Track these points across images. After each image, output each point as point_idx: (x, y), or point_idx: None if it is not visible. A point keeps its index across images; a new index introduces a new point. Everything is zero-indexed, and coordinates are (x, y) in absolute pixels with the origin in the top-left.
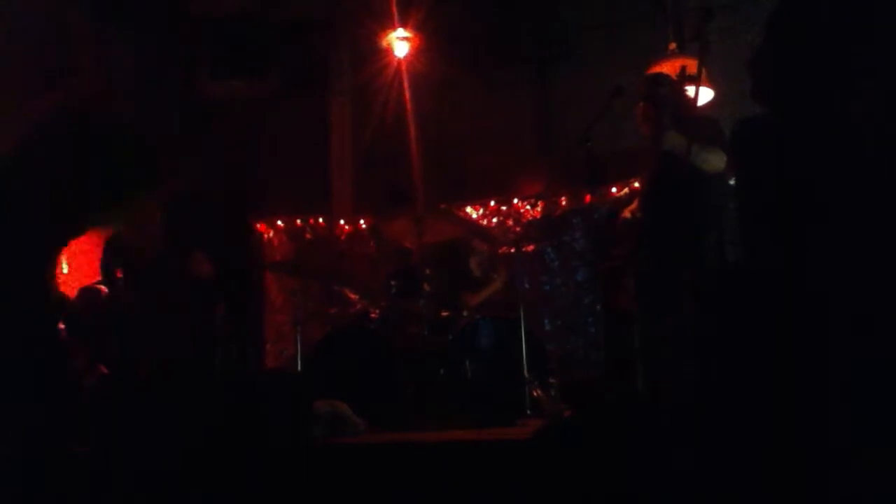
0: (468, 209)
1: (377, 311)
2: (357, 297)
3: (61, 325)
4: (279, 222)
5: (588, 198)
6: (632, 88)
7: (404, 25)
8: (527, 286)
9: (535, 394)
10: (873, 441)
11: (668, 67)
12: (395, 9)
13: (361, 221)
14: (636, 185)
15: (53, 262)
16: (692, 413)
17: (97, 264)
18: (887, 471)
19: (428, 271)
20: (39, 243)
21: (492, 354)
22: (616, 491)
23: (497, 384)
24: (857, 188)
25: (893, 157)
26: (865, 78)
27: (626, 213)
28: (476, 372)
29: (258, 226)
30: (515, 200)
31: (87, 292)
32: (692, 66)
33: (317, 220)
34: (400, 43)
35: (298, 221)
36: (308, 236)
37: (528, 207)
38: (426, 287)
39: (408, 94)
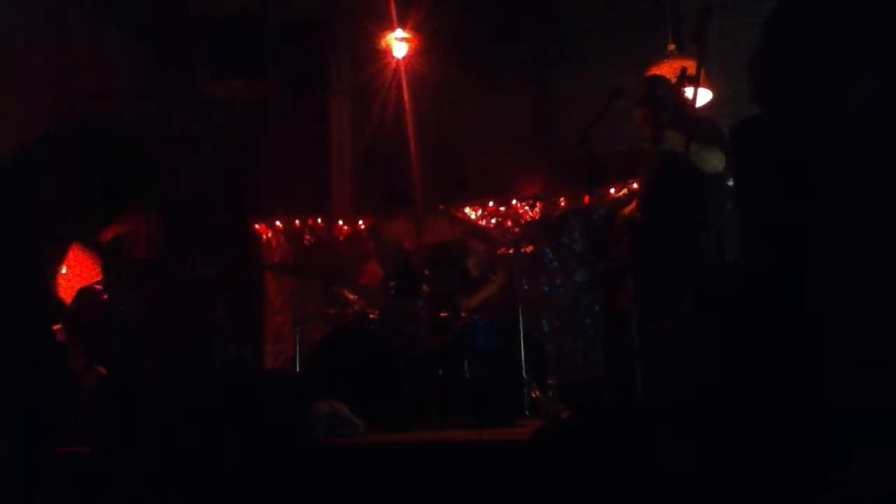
0: (467, 210)
1: (376, 312)
2: (356, 297)
3: (61, 326)
4: (278, 223)
5: (587, 198)
6: (631, 89)
7: (404, 26)
8: (525, 287)
9: (533, 394)
10: (873, 441)
11: (668, 68)
12: (394, 9)
13: (360, 222)
14: (635, 185)
15: (55, 263)
16: (691, 413)
17: (97, 264)
18: (887, 471)
19: (427, 272)
20: (40, 243)
21: (491, 355)
22: (615, 491)
23: (496, 385)
24: (856, 188)
25: (893, 158)
26: (865, 78)
27: (625, 214)
28: (475, 372)
29: (257, 226)
30: (514, 201)
31: (87, 293)
32: (691, 66)
33: (315, 221)
34: (399, 43)
35: (297, 222)
36: (307, 237)
37: (526, 208)
38: (425, 288)
39: (407, 95)
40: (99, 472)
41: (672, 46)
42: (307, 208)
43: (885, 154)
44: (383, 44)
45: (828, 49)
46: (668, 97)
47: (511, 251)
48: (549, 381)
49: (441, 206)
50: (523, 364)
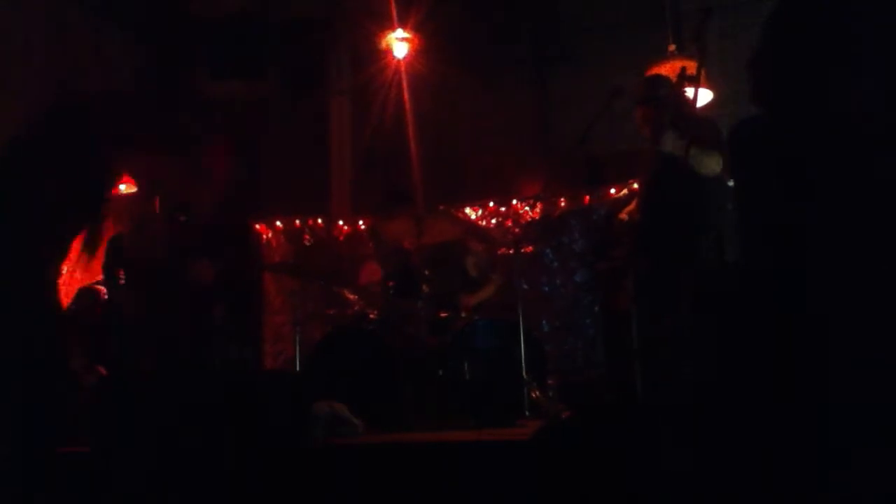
0: (467, 210)
1: (376, 312)
2: (356, 297)
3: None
4: (278, 223)
5: (587, 199)
6: (631, 89)
7: (404, 26)
8: (525, 287)
9: (533, 395)
10: (873, 441)
11: (668, 68)
12: (394, 9)
13: (360, 222)
14: (635, 186)
15: (55, 263)
16: (691, 414)
17: (96, 265)
18: (887, 471)
19: (427, 272)
20: (40, 243)
21: (490, 355)
22: (615, 491)
23: (496, 385)
24: (856, 189)
25: (893, 158)
26: (865, 78)
27: (625, 214)
28: (475, 373)
29: (257, 226)
30: (514, 201)
31: (87, 293)
32: (691, 67)
33: (315, 221)
34: (399, 43)
35: (297, 222)
36: (307, 237)
37: (526, 208)
38: (425, 288)
39: (407, 95)
40: (99, 472)
41: (672, 46)
42: (307, 208)
43: (885, 154)
44: (383, 44)
45: (828, 49)
46: (669, 97)
47: (511, 251)
48: (549, 382)
49: (441, 207)
50: (523, 364)
